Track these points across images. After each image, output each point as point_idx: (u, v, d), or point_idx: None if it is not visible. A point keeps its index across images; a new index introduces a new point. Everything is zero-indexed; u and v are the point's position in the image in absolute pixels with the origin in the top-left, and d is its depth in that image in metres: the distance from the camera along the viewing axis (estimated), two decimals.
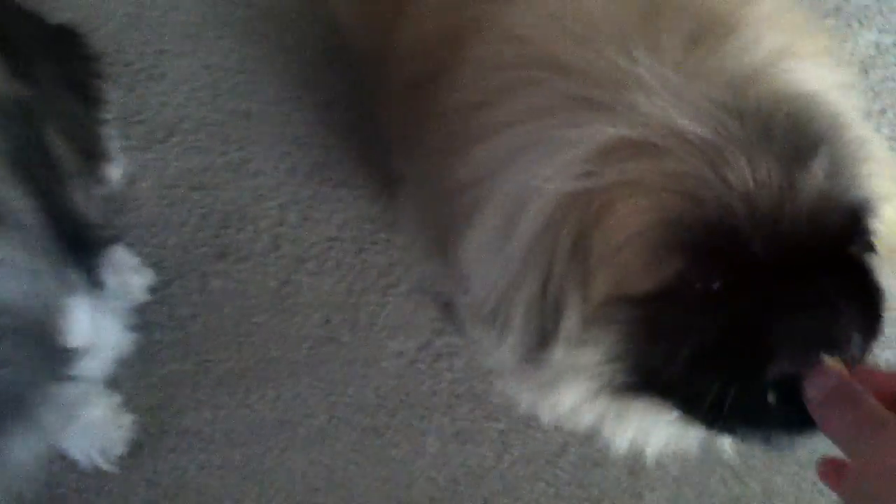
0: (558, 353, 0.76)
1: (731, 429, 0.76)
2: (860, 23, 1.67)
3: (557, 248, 0.73)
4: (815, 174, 0.68)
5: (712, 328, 0.70)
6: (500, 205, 0.76)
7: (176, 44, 1.65)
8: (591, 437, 1.28)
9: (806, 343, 0.68)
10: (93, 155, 1.28)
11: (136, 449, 1.41)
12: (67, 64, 1.29)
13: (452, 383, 1.46)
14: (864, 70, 1.64)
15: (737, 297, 0.69)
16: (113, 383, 1.38)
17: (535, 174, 0.72)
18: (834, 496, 0.68)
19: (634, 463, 1.40)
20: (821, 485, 0.82)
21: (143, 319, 1.46)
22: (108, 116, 1.44)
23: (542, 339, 0.76)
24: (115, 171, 1.46)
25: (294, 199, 1.56)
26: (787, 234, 0.68)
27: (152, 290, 1.47)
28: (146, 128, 1.58)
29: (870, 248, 0.73)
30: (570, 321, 0.74)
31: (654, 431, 0.90)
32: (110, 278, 1.16)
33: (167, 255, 1.52)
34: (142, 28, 1.65)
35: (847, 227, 0.70)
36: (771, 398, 0.71)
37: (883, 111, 1.61)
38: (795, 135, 0.70)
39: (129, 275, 1.44)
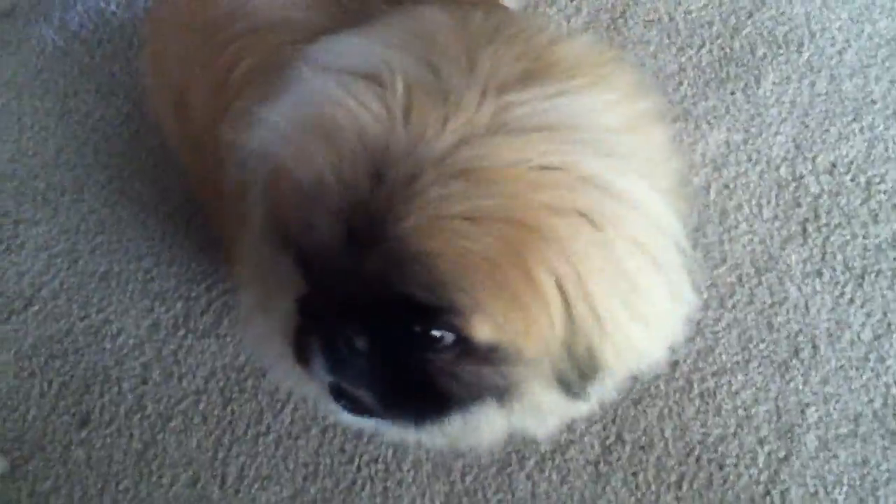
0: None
1: None
2: (709, 123, 1.69)
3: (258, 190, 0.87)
4: (375, 262, 0.74)
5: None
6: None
7: (34, 211, 1.64)
8: None
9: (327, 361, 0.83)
10: None
11: None
12: None
13: None
14: (717, 168, 1.64)
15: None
16: None
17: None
18: None
19: None
20: None
21: (2, 499, 1.39)
22: None
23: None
24: None
25: (157, 356, 1.51)
26: (344, 287, 0.77)
27: (10, 469, 1.41)
28: (3, 300, 1.55)
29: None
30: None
31: None
32: None
33: (27, 429, 1.46)
34: None
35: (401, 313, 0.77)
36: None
37: (739, 207, 1.61)
38: (381, 238, 0.74)
39: None
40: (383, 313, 0.77)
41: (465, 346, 0.78)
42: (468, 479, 1.41)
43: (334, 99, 0.78)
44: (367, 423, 0.93)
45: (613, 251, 0.75)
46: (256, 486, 1.41)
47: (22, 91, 1.76)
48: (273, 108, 0.85)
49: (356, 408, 0.89)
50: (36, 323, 1.54)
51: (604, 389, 0.90)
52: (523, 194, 0.73)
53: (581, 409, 0.94)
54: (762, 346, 1.50)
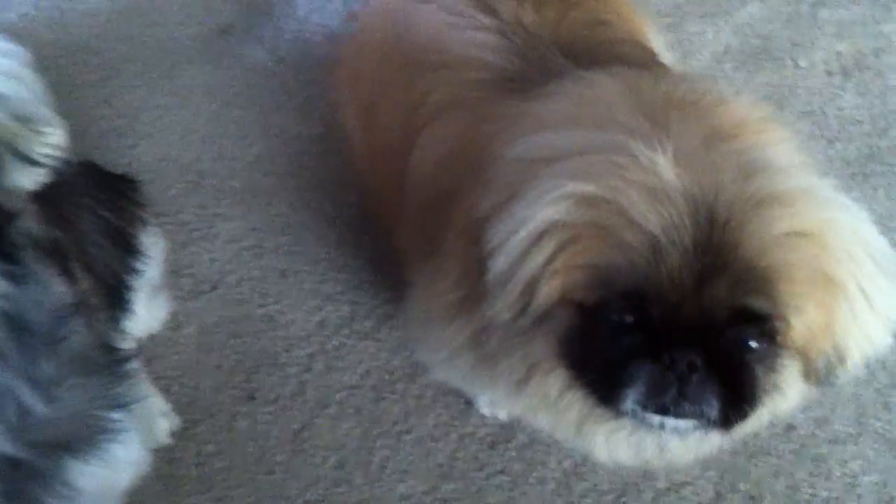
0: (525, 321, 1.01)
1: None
2: None
3: (543, 251, 0.96)
4: (719, 290, 0.91)
5: (614, 348, 0.97)
6: (518, 211, 0.98)
7: (229, 208, 1.85)
8: None
9: (654, 388, 0.95)
10: (117, 295, 1.42)
11: None
12: (111, 210, 1.44)
13: None
14: None
15: (635, 337, 0.95)
16: None
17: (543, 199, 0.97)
18: None
19: None
20: None
21: (171, 455, 1.57)
22: (143, 266, 1.53)
23: (520, 311, 1.00)
24: (151, 315, 1.61)
25: (322, 350, 1.69)
26: (684, 317, 0.92)
27: (182, 429, 1.60)
28: (194, 280, 1.76)
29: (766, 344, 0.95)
30: (538, 302, 0.98)
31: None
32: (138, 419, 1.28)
33: (200, 396, 1.64)
34: (201, 193, 1.86)
35: (735, 327, 0.93)
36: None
37: None
38: (729, 264, 0.91)
39: (156, 418, 1.56)
40: (716, 332, 0.93)
41: (774, 350, 0.96)
42: (586, 501, 1.53)
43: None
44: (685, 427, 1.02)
45: (871, 257, 0.94)
46: (395, 477, 1.57)
47: (230, 101, 1.99)
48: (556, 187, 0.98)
49: (680, 414, 0.99)
50: (220, 304, 1.74)
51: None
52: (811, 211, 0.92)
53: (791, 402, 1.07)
54: (877, 423, 1.59)
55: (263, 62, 2.04)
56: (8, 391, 0.94)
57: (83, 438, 1.07)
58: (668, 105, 1.09)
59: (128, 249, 1.48)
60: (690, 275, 0.90)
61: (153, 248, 1.55)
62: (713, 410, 0.95)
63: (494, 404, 1.59)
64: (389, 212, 1.55)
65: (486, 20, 1.41)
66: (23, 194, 0.94)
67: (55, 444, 1.03)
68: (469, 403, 1.62)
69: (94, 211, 1.41)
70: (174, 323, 1.70)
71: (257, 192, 1.87)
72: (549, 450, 1.58)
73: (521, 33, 1.38)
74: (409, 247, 1.45)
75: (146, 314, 1.56)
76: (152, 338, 1.66)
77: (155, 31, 2.07)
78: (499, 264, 0.99)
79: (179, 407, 1.61)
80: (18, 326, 0.94)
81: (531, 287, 0.98)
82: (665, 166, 0.93)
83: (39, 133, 0.94)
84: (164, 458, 1.53)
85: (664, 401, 0.96)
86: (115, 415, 1.12)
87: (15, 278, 0.95)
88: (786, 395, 1.02)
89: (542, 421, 1.24)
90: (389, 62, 1.52)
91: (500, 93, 1.32)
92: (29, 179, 0.94)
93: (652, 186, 0.92)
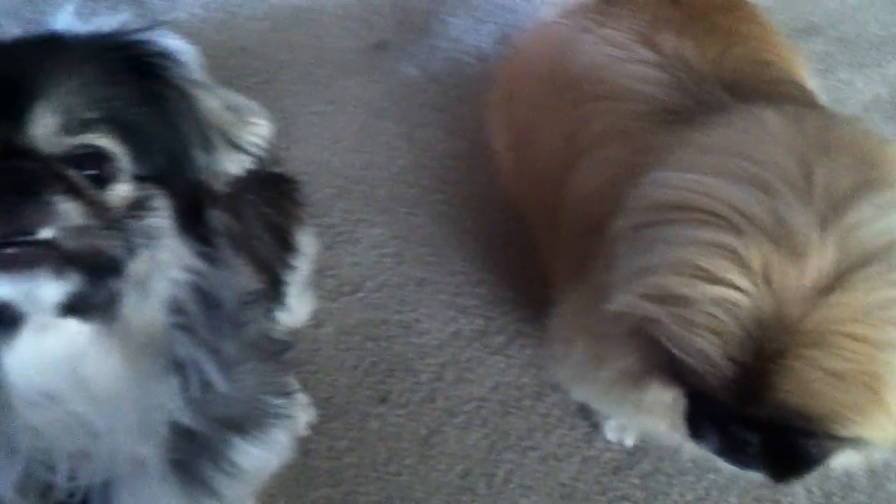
0: None
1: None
2: None
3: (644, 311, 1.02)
4: (762, 409, 0.97)
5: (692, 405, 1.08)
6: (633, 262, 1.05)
7: (373, 215, 1.92)
8: None
9: (723, 449, 1.07)
10: (275, 287, 1.48)
11: None
12: (272, 207, 1.51)
13: None
14: None
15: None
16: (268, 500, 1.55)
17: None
18: None
19: None
20: None
21: (305, 446, 1.64)
22: (298, 263, 1.61)
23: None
24: (299, 310, 1.68)
25: (454, 360, 1.74)
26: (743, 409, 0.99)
27: (318, 423, 1.66)
28: (336, 282, 1.83)
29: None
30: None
31: None
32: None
33: (335, 393, 1.71)
34: (348, 199, 1.93)
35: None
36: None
37: None
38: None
39: (297, 409, 1.63)
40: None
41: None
42: None
43: (699, 274, 0.97)
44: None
45: None
46: (518, 492, 1.60)
47: (381, 114, 2.06)
48: (637, 265, 1.04)
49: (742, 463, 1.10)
50: (359, 307, 1.80)
51: None
52: (872, 353, 0.91)
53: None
54: None
55: (415, 78, 2.12)
56: (195, 364, 0.99)
57: (253, 420, 1.13)
58: (826, 146, 1.09)
59: (285, 245, 1.55)
60: (731, 393, 0.97)
61: (307, 246, 1.62)
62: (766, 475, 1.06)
63: (623, 429, 1.61)
64: (540, 232, 1.60)
65: (648, 54, 1.44)
66: (228, 180, 1.02)
67: (228, 423, 1.09)
68: (594, 427, 1.65)
69: (257, 206, 1.49)
70: (315, 321, 1.77)
71: (401, 202, 1.94)
72: (672, 480, 1.59)
73: (682, 68, 1.40)
74: (559, 266, 1.48)
75: (297, 309, 1.63)
76: (294, 333, 1.73)
77: (315, 40, 2.16)
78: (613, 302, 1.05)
79: (316, 401, 1.68)
80: (210, 305, 1.01)
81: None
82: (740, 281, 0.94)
83: (248, 123, 1.02)
84: (300, 450, 1.59)
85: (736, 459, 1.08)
86: (280, 401, 1.18)
87: (210, 260, 1.02)
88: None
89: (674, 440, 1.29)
90: (548, 88, 1.56)
91: (660, 125, 1.34)
92: (236, 166, 1.01)
93: (721, 298, 0.94)
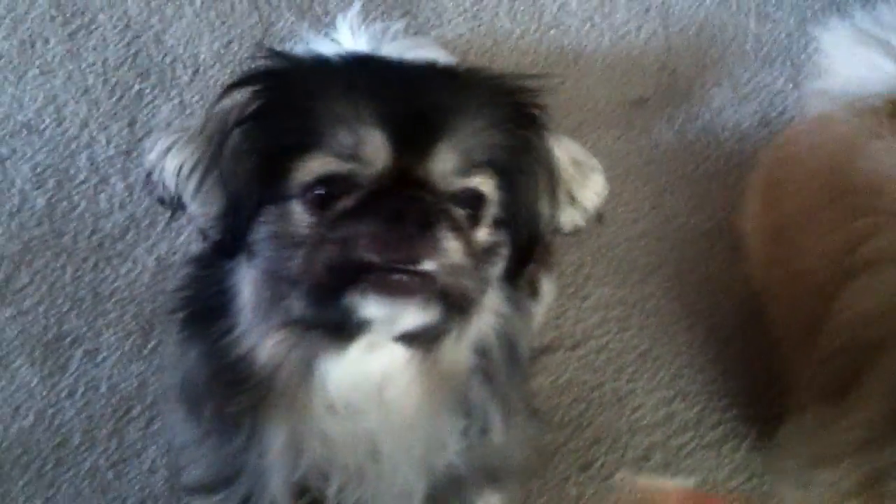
0: None
1: None
2: None
3: None
4: None
5: None
6: None
7: (604, 274, 1.86)
8: None
9: None
10: None
11: None
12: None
13: None
14: None
15: None
16: None
17: None
18: None
19: None
20: None
21: None
22: (536, 308, 1.57)
23: None
24: None
25: (663, 444, 1.66)
26: None
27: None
28: (558, 333, 1.78)
29: None
30: None
31: None
32: None
33: (537, 448, 1.66)
34: (581, 252, 1.88)
35: None
36: None
37: None
38: None
39: None
40: None
41: None
42: None
43: None
44: None
45: None
46: None
47: (628, 171, 2.00)
48: None
49: None
50: (576, 365, 1.74)
51: None
52: None
53: None
54: None
55: (669, 142, 2.05)
56: (483, 409, 0.97)
57: (506, 473, 1.10)
58: None
59: (533, 289, 1.52)
60: None
61: (548, 294, 1.59)
62: None
63: None
64: (786, 333, 1.51)
65: None
66: (559, 234, 0.99)
67: (486, 473, 1.07)
68: None
69: None
70: (533, 368, 1.72)
71: (635, 267, 1.87)
72: None
73: None
74: (807, 378, 1.39)
75: None
76: None
77: (573, 84, 2.12)
78: None
79: None
80: (511, 352, 0.99)
81: None
82: None
83: (589, 178, 0.98)
84: None
85: None
86: (521, 455, 1.15)
87: (515, 306, 1.00)
88: None
89: None
90: (824, 187, 1.48)
91: None
92: (570, 222, 0.98)
93: None
